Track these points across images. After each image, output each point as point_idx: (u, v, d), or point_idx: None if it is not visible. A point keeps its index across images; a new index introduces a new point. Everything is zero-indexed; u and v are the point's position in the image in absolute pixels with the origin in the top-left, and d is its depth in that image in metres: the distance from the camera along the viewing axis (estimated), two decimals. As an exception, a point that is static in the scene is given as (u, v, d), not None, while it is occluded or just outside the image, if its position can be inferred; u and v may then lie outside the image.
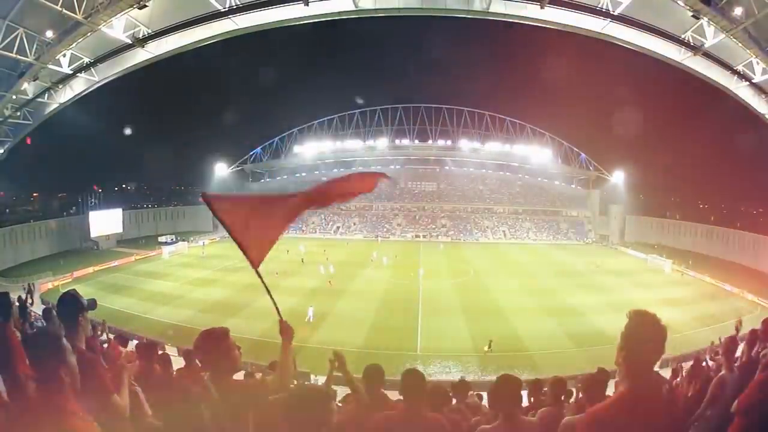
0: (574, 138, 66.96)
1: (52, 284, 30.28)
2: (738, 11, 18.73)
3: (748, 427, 2.22)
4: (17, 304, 3.52)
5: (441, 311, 26.33)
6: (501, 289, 32.21)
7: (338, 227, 65.11)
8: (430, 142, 71.70)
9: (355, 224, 65.60)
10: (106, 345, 5.62)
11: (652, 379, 1.70)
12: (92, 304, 2.72)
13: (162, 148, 68.12)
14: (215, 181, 67.71)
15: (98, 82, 25.98)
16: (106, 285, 31.66)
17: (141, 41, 23.09)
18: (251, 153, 72.06)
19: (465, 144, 70.18)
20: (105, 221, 50.81)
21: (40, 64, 21.56)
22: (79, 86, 26.43)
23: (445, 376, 17.11)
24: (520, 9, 23.17)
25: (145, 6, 19.91)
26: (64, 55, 22.82)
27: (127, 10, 20.13)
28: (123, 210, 54.81)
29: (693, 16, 20.00)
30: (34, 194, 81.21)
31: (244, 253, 2.47)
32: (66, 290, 2.78)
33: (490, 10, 23.01)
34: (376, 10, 23.62)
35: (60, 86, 25.97)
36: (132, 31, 22.24)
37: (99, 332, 7.58)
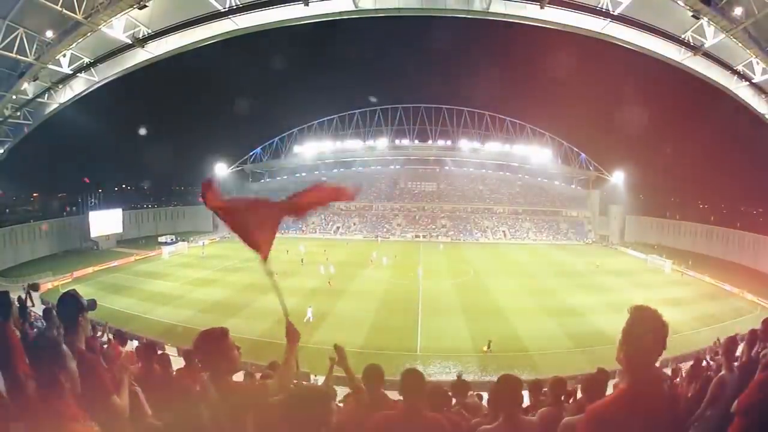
0: (574, 138, 67.04)
1: (51, 284, 30.27)
2: (738, 11, 18.74)
3: (748, 427, 2.22)
4: (17, 304, 3.51)
5: (441, 311, 26.32)
6: (501, 289, 32.19)
7: (338, 227, 65.09)
8: (430, 142, 71.69)
9: (355, 224, 65.59)
10: (106, 346, 5.62)
11: (653, 375, 1.70)
12: (92, 304, 2.72)
13: (162, 148, 67.89)
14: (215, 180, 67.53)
15: (98, 82, 25.99)
16: (105, 285, 31.65)
17: (141, 41, 23.11)
18: (251, 153, 72.07)
19: (465, 144, 70.16)
20: (105, 221, 50.81)
21: (40, 64, 21.56)
22: (79, 86, 26.44)
23: (445, 376, 17.10)
24: (519, 9, 23.18)
25: (145, 6, 19.93)
26: (64, 55, 22.82)
27: (127, 10, 20.15)
28: (123, 210, 54.81)
29: (693, 16, 20.01)
30: (34, 194, 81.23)
31: (251, 246, 2.57)
32: (66, 290, 2.77)
33: (490, 10, 23.02)
34: (376, 10, 23.63)
35: (60, 86, 25.97)
36: (132, 31, 22.25)
37: (100, 333, 7.58)
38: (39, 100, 26.10)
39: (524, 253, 51.11)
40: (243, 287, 30.68)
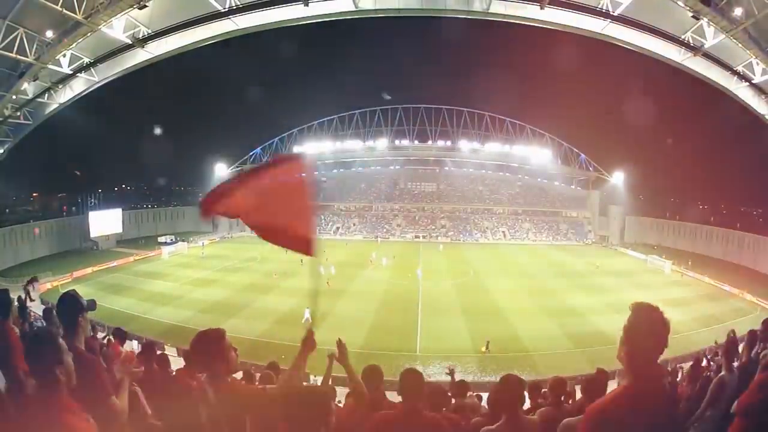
0: (573, 139, 66.98)
1: (51, 284, 30.25)
2: (738, 12, 18.73)
3: (748, 428, 2.22)
4: (17, 304, 3.51)
5: (440, 312, 26.31)
6: (500, 289, 32.18)
7: (338, 228, 65.08)
8: (429, 142, 71.60)
9: (354, 225, 65.57)
10: (106, 347, 5.61)
11: (655, 373, 1.68)
12: (92, 304, 2.71)
13: (162, 148, 67.83)
14: (215, 181, 67.64)
15: (98, 82, 25.97)
16: (105, 285, 31.63)
17: (141, 41, 23.11)
18: (251, 153, 72.03)
19: (465, 144, 70.07)
20: (105, 221, 50.75)
21: (40, 64, 21.55)
22: (79, 86, 26.42)
23: (445, 376, 17.08)
24: (519, 9, 23.17)
25: (145, 6, 19.93)
26: (64, 55, 22.80)
27: (127, 11, 20.13)
28: (123, 210, 54.75)
29: (693, 16, 20.01)
30: (34, 194, 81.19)
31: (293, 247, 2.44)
32: (66, 290, 2.77)
33: (490, 11, 23.03)
34: (376, 10, 23.64)
35: (60, 86, 25.94)
36: (132, 32, 22.25)
37: (102, 336, 7.56)
38: (39, 100, 26.06)
39: (524, 253, 51.11)
40: (243, 287, 30.68)
